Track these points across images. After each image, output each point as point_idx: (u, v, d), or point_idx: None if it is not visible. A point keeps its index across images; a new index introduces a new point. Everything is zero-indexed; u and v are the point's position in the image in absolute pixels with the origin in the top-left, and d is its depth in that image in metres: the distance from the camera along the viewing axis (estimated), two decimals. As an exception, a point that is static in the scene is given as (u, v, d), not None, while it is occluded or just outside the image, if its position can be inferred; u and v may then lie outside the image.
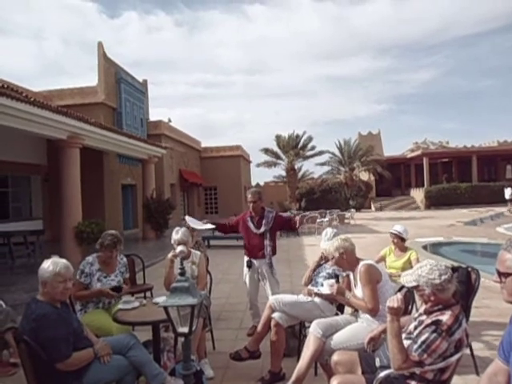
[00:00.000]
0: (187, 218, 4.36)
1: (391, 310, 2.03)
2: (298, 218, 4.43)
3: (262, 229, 4.15)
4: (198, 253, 3.83)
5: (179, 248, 3.56)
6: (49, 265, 2.39)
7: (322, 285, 3.16)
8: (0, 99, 7.39)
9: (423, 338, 1.95)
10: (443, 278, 1.97)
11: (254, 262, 4.22)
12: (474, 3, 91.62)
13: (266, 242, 4.15)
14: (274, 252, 4.22)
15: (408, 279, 2.08)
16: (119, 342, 2.60)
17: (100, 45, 15.83)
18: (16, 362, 3.53)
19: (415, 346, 1.97)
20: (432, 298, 2.01)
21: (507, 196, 22.86)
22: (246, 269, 4.33)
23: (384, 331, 2.24)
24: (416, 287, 2.05)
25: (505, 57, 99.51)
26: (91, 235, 9.76)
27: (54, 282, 2.35)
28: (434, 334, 1.92)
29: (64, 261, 2.48)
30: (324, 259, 3.62)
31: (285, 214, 16.88)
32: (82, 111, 12.18)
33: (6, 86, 9.21)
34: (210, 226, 4.27)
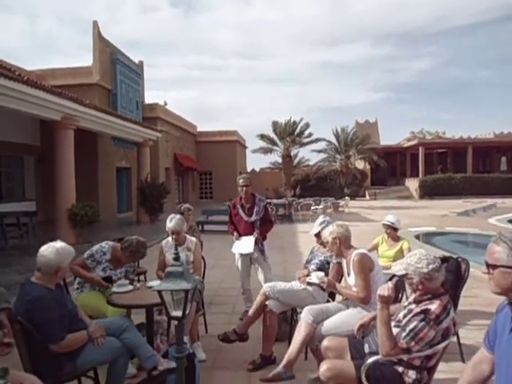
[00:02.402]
0: (236, 248, 4.31)
1: (382, 298, 2.07)
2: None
3: (253, 218, 4.24)
4: (194, 239, 3.83)
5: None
6: (44, 253, 2.38)
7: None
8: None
9: (411, 326, 2.00)
10: (431, 267, 2.01)
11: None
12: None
13: (257, 229, 4.23)
14: (264, 238, 4.33)
15: (398, 268, 2.13)
16: (113, 323, 2.63)
17: (95, 24, 15.51)
18: (10, 341, 3.56)
19: (403, 334, 2.01)
20: (420, 287, 2.05)
21: None
22: (238, 254, 4.37)
23: (374, 318, 2.29)
24: (405, 275, 2.09)
25: (502, 48, 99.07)
26: (85, 218, 9.74)
27: (48, 269, 2.36)
28: (422, 323, 1.96)
29: (60, 247, 2.47)
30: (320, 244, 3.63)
31: (279, 201, 16.94)
32: (76, 92, 11.99)
33: (-2, 64, 9.04)
34: (252, 238, 4.20)
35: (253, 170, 35.70)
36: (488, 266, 1.46)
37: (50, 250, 2.40)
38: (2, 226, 10.30)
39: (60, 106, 9.46)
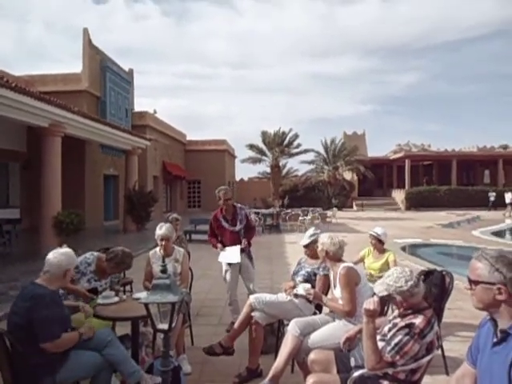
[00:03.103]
0: (223, 258, 4.35)
1: (367, 312, 2.09)
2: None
3: (238, 227, 4.32)
4: (182, 250, 3.81)
5: None
6: (55, 255, 2.50)
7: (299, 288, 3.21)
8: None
9: (396, 340, 2.02)
10: (409, 284, 2.06)
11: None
12: (462, 9, 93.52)
13: (242, 238, 4.32)
14: (250, 244, 4.41)
15: (379, 289, 2.16)
16: (96, 337, 2.59)
17: (85, 31, 15.49)
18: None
19: (388, 348, 2.04)
20: (404, 305, 2.09)
21: (507, 200, 23.47)
22: (225, 265, 4.37)
23: (360, 332, 2.31)
24: (388, 296, 2.12)
25: (488, 64, 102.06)
26: (70, 226, 9.60)
27: (57, 271, 2.48)
28: (407, 337, 1.99)
29: (69, 251, 2.61)
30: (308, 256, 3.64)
31: (268, 211, 16.96)
32: (65, 98, 11.90)
33: (-15, 69, 8.93)
34: (238, 248, 4.27)
35: (241, 180, 35.78)
36: (470, 281, 1.49)
37: (59, 252, 2.54)
38: (-17, 233, 10.08)
39: (48, 112, 9.36)
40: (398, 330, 2.05)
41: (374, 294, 3.05)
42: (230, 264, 4.32)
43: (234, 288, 4.38)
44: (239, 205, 4.48)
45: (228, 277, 4.37)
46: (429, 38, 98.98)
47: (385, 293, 2.10)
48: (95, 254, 3.44)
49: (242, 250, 4.28)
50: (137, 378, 2.52)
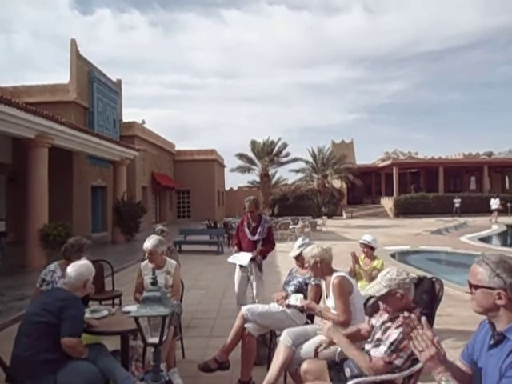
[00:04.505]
0: (232, 259, 4.63)
1: (327, 334, 2.26)
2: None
3: (256, 237, 4.53)
4: (174, 262, 3.75)
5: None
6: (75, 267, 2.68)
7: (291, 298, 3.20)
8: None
9: (391, 339, 2.05)
10: (408, 278, 2.16)
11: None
12: (444, 20, 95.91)
13: (258, 248, 4.52)
14: (264, 257, 4.61)
15: (377, 288, 2.15)
16: (88, 352, 2.56)
17: (73, 42, 15.43)
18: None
19: (384, 348, 2.06)
20: (404, 301, 2.11)
21: (493, 206, 23.54)
22: (238, 268, 4.59)
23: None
24: (388, 293, 2.12)
25: (470, 73, 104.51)
26: (58, 238, 9.42)
27: (79, 282, 2.65)
28: (402, 335, 2.00)
29: (87, 262, 2.79)
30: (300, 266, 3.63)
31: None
32: (52, 109, 11.77)
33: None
34: (250, 255, 4.49)
35: (231, 189, 35.73)
36: (471, 286, 1.51)
37: (79, 264, 2.72)
38: (-32, 247, 9.85)
39: (34, 124, 9.25)
40: (391, 331, 2.07)
41: (365, 302, 3.07)
42: (241, 268, 4.53)
43: (241, 293, 4.58)
44: (267, 218, 4.68)
45: (236, 281, 4.59)
46: (412, 47, 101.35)
47: (385, 290, 2.12)
48: (55, 262, 3.47)
49: (253, 259, 4.46)
50: (129, 383, 2.49)
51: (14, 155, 13.93)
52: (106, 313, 3.01)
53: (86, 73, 16.29)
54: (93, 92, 16.54)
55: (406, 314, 1.93)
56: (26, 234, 9.64)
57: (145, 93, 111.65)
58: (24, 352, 2.41)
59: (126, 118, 20.59)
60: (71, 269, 2.68)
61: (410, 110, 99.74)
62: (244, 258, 4.47)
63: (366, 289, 2.27)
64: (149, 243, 3.59)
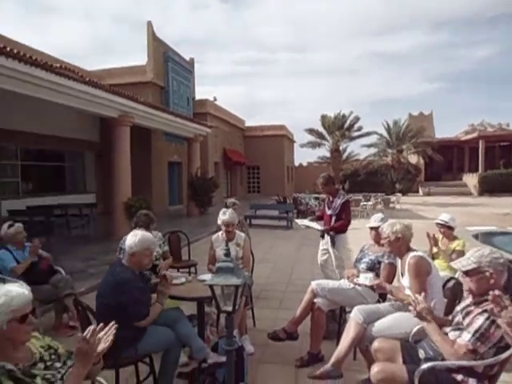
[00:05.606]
0: (300, 221, 5.17)
1: (418, 315, 2.06)
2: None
3: (329, 212, 4.74)
4: (243, 235, 3.89)
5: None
6: (137, 238, 2.62)
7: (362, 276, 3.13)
8: (63, 81, 7.79)
9: (476, 326, 1.90)
10: (503, 258, 1.97)
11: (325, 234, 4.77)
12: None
13: (332, 223, 4.69)
14: (332, 230, 4.68)
15: (465, 263, 2.02)
16: (168, 316, 2.73)
17: (149, 24, 16.08)
18: (75, 325, 3.86)
19: (468, 336, 1.92)
20: (492, 283, 1.94)
21: None
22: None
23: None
24: (476, 269, 1.97)
25: None
26: (139, 210, 10.21)
27: (142, 256, 2.61)
28: (488, 322, 1.87)
29: (150, 235, 2.75)
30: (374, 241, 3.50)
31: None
32: (131, 90, 12.57)
33: (63, 66, 9.69)
34: (318, 226, 4.83)
35: (300, 165, 35.44)
36: None
37: (131, 234, 2.70)
38: (66, 216, 11.12)
39: (118, 104, 9.96)
40: (475, 316, 1.92)
41: (445, 282, 2.89)
42: (321, 237, 4.83)
43: (322, 263, 4.83)
44: (342, 194, 4.78)
45: (320, 250, 4.87)
46: (504, 6, 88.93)
47: (473, 266, 1.98)
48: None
49: (323, 232, 4.73)
50: (203, 354, 2.65)
51: (100, 134, 15.23)
52: (183, 280, 3.23)
53: (162, 53, 16.96)
54: (168, 72, 17.23)
55: (497, 292, 1.78)
56: (112, 206, 10.61)
57: (216, 70, 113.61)
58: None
59: (198, 96, 21.22)
60: (129, 235, 2.70)
61: (500, 77, 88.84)
62: (312, 224, 4.85)
63: (456, 261, 2.10)
64: (225, 216, 3.71)
